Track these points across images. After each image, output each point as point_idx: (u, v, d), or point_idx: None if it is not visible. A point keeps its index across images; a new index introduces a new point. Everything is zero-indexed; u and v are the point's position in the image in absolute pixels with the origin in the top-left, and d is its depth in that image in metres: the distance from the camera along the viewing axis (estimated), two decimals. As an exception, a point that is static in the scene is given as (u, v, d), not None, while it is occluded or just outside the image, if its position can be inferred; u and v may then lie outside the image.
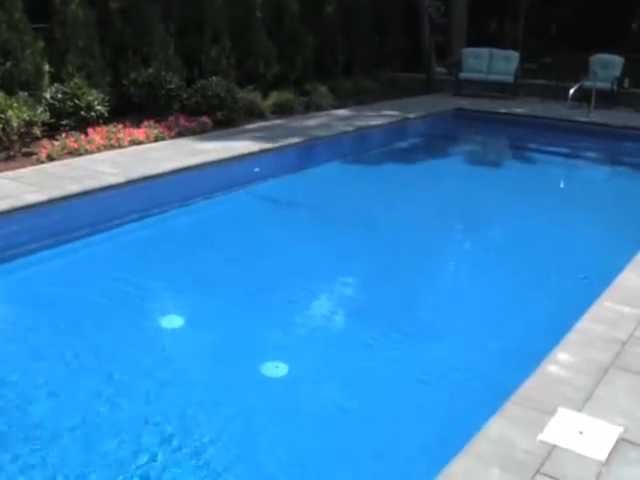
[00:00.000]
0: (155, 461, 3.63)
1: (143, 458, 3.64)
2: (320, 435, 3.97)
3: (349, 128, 11.51)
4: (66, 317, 5.33)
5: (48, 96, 9.58)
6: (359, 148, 11.52)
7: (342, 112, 13.01)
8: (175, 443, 3.79)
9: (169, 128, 10.10)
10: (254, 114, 11.82)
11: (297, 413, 4.18)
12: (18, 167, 8.04)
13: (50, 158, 8.35)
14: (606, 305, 4.83)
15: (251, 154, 9.40)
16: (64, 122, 9.42)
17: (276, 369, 4.59)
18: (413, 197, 8.91)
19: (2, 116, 8.28)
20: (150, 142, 9.54)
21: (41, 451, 3.71)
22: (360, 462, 3.74)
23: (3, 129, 8.32)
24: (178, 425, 3.96)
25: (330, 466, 3.72)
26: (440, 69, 17.37)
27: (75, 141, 8.85)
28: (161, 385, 4.41)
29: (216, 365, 4.75)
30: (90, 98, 9.64)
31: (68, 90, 9.61)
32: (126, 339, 5.02)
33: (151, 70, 10.97)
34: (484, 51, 15.70)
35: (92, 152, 8.77)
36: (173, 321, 5.33)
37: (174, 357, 4.86)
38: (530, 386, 3.80)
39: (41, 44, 9.73)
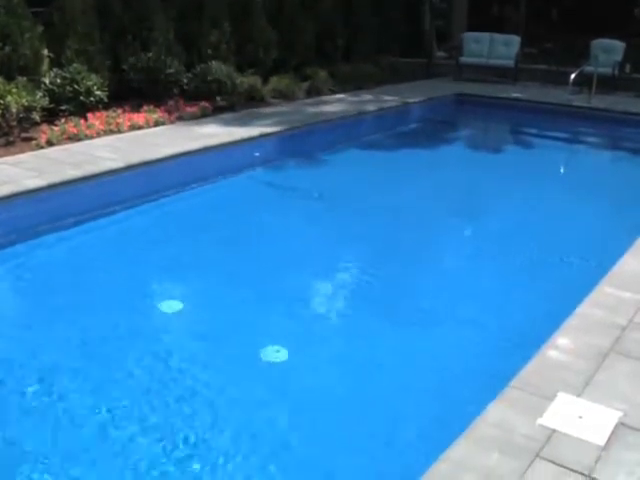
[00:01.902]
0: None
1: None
2: (319, 421, 3.99)
3: (350, 113, 11.49)
4: (65, 303, 5.34)
5: (47, 81, 9.55)
6: (359, 133, 11.51)
7: (343, 97, 12.96)
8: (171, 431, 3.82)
9: (169, 113, 10.07)
10: (254, 99, 11.78)
11: (295, 398, 4.20)
12: (17, 152, 8.03)
13: (49, 143, 8.33)
14: (606, 290, 4.83)
15: (251, 138, 9.38)
16: (63, 107, 9.40)
17: (277, 354, 4.60)
18: (415, 182, 8.89)
19: (1, 101, 8.25)
20: (150, 127, 9.52)
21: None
22: (359, 448, 3.75)
23: (2, 114, 8.29)
24: (175, 414, 3.98)
25: (328, 452, 3.73)
26: (440, 54, 17.31)
27: (74, 126, 8.82)
28: (159, 371, 4.43)
29: (217, 349, 4.76)
30: (89, 83, 9.61)
31: (67, 75, 9.58)
32: (126, 324, 5.03)
33: (150, 55, 10.92)
34: (485, 35, 15.63)
35: (91, 137, 8.75)
36: (173, 305, 5.32)
37: (173, 343, 4.87)
38: (530, 371, 3.81)
39: (40, 29, 9.67)
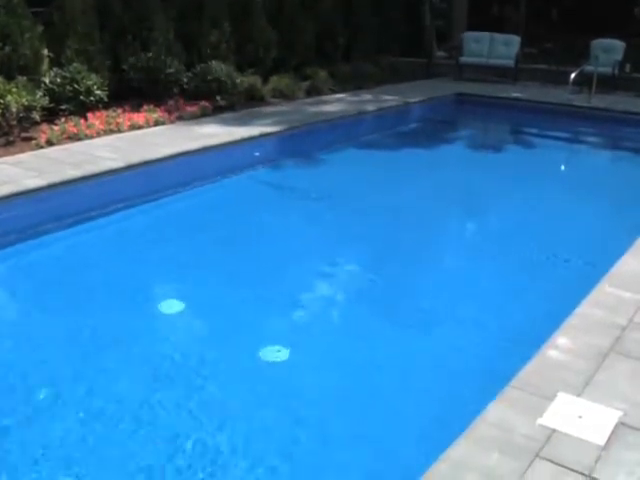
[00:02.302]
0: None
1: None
2: (319, 420, 3.99)
3: (350, 112, 11.49)
4: (64, 303, 5.34)
5: (47, 81, 9.55)
6: (359, 133, 11.51)
7: (343, 97, 12.96)
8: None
9: (169, 112, 10.07)
10: (254, 98, 11.79)
11: (295, 398, 4.20)
12: (17, 152, 8.02)
13: (49, 143, 8.33)
14: (606, 290, 4.83)
15: (251, 138, 9.37)
16: (63, 107, 9.40)
17: (277, 353, 4.60)
18: (415, 182, 8.88)
19: (1, 101, 8.24)
20: (150, 126, 9.51)
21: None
22: (359, 447, 3.75)
23: (2, 114, 8.28)
24: (175, 413, 3.98)
25: (328, 452, 3.73)
26: (441, 53, 17.31)
27: (74, 126, 8.82)
28: (161, 369, 4.43)
29: (218, 348, 4.76)
30: (89, 82, 9.61)
31: (67, 74, 9.58)
32: (126, 323, 5.03)
33: (150, 54, 10.92)
34: (485, 35, 15.63)
35: (92, 137, 8.75)
36: (173, 305, 5.32)
37: (174, 341, 4.87)
38: (530, 371, 3.81)
39: (40, 28, 9.67)
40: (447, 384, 4.34)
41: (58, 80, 9.53)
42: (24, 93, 8.52)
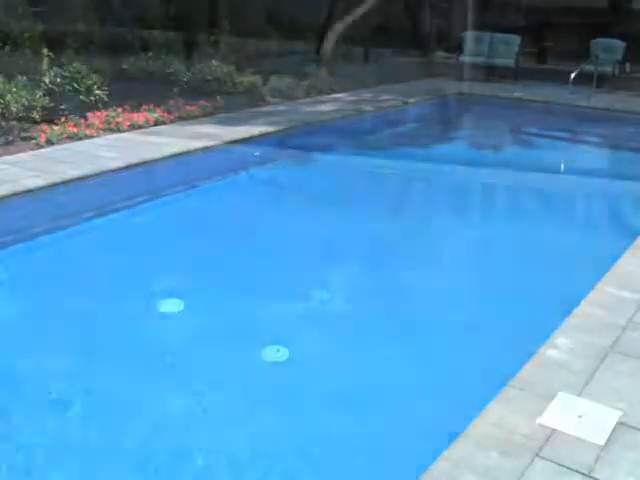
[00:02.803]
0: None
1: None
2: (318, 420, 3.98)
3: (350, 112, 11.49)
4: (63, 303, 5.33)
5: (47, 80, 9.55)
6: (359, 132, 11.50)
7: (343, 96, 12.94)
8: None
9: (169, 112, 10.07)
10: (254, 98, 11.78)
11: (295, 397, 4.20)
12: (17, 152, 8.02)
13: (49, 142, 8.32)
14: (606, 290, 4.83)
15: (251, 137, 9.37)
16: (63, 106, 9.40)
17: (277, 353, 4.60)
18: (416, 181, 8.89)
19: (1, 100, 8.25)
20: (150, 126, 9.51)
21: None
22: (358, 447, 3.75)
23: (2, 113, 8.29)
24: (174, 414, 3.98)
25: (327, 451, 3.73)
26: (441, 53, 17.32)
27: (74, 125, 8.82)
28: (160, 370, 4.43)
29: (218, 348, 4.76)
30: (89, 82, 9.61)
31: (67, 74, 9.58)
32: (127, 323, 5.03)
33: (150, 54, 10.93)
34: (485, 35, 15.62)
35: (91, 136, 8.75)
36: (173, 305, 5.32)
37: (174, 341, 4.87)
38: (530, 370, 3.81)
39: (40, 28, 9.67)
40: (447, 383, 4.33)
41: (58, 80, 9.53)
42: (24, 92, 8.52)
